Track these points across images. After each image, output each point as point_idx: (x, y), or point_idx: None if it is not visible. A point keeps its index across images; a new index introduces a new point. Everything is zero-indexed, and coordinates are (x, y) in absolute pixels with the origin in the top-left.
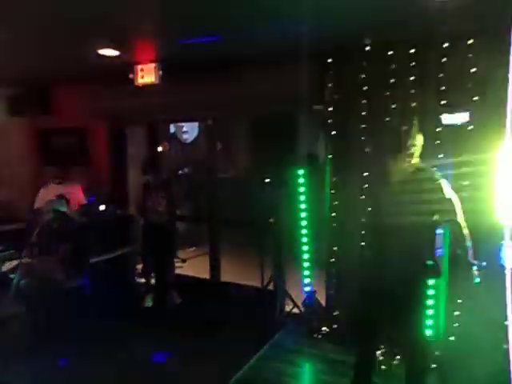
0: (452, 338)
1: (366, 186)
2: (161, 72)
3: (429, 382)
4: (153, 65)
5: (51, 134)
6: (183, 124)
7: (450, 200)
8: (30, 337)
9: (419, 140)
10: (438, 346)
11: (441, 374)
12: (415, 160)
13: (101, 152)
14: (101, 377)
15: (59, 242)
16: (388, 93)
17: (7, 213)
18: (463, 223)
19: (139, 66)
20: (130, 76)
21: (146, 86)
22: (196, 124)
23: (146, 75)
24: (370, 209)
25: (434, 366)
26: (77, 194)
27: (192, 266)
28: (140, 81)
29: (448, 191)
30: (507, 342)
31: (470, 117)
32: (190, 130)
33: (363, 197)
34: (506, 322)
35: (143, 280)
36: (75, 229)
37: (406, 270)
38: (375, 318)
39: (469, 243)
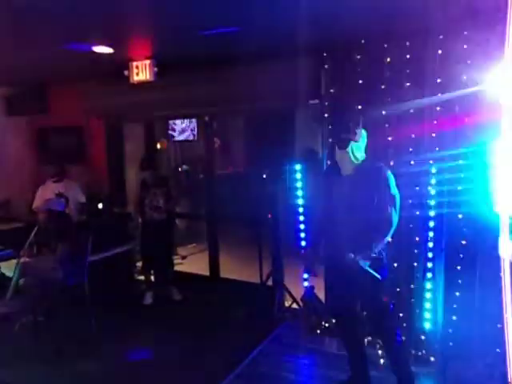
0: (450, 331)
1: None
2: (156, 69)
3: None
4: (148, 62)
5: (49, 132)
6: (180, 121)
7: (394, 196)
8: (30, 336)
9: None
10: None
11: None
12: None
13: (99, 150)
14: (100, 375)
15: (57, 241)
16: (383, 87)
17: (6, 212)
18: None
19: (134, 63)
20: (126, 73)
21: (141, 83)
22: (194, 121)
23: (141, 72)
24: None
25: (432, 359)
26: (75, 193)
27: (192, 262)
28: (135, 78)
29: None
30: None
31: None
32: (187, 127)
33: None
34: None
35: (143, 277)
36: (73, 228)
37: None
38: (348, 310)
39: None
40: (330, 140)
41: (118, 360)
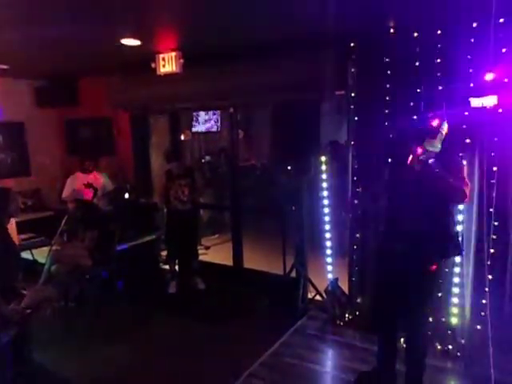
0: (479, 327)
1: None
2: (182, 60)
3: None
4: (174, 53)
5: (78, 124)
6: (204, 112)
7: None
8: (61, 321)
9: (445, 128)
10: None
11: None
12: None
13: (125, 141)
14: (127, 361)
15: (85, 229)
16: (412, 77)
17: (38, 201)
18: None
19: (160, 55)
20: (152, 65)
21: (168, 75)
22: (217, 112)
23: (168, 64)
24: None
25: (458, 354)
26: (104, 183)
27: (215, 253)
28: (162, 70)
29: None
30: None
31: (499, 100)
32: (211, 119)
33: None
34: None
35: (167, 267)
36: (100, 217)
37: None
38: (391, 304)
39: None
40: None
41: (145, 346)
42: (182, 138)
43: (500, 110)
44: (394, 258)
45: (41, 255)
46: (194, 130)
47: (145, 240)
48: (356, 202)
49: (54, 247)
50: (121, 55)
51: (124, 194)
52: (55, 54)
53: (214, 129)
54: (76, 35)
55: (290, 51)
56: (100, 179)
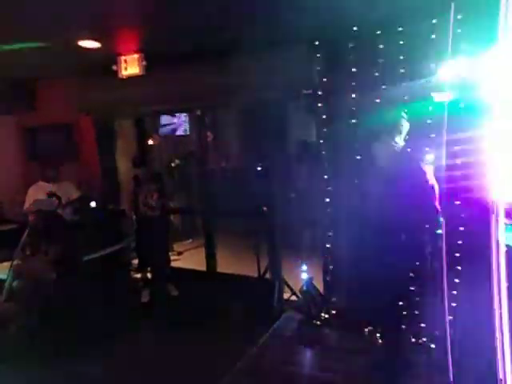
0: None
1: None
2: (144, 63)
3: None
4: (136, 55)
5: (38, 131)
6: (172, 116)
7: (432, 186)
8: (25, 338)
9: (406, 124)
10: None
11: None
12: (401, 143)
13: (89, 147)
14: (99, 375)
15: (48, 241)
16: (377, 73)
17: None
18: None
19: (122, 58)
20: (114, 68)
21: (130, 78)
22: (185, 116)
23: (130, 66)
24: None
25: (432, 346)
26: (68, 191)
27: (188, 258)
28: (124, 72)
29: (431, 177)
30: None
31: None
32: (179, 122)
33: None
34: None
35: (139, 275)
36: (64, 227)
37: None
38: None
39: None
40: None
41: (118, 359)
42: (150, 142)
43: (462, 105)
44: (365, 260)
45: (1, 270)
46: (161, 133)
47: (114, 249)
48: (328, 200)
49: (15, 262)
50: (81, 58)
51: (90, 202)
52: (11, 57)
53: (183, 132)
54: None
55: (256, 52)
56: (64, 187)
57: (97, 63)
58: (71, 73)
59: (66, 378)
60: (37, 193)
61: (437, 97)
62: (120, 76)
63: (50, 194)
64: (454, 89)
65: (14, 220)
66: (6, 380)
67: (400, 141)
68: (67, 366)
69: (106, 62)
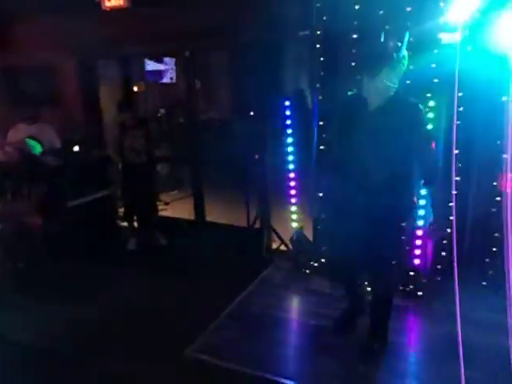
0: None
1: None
2: None
3: None
4: None
5: (16, 71)
6: (158, 62)
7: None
8: (10, 283)
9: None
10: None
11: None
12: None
13: (72, 90)
14: (84, 322)
15: (31, 185)
16: (381, 11)
17: None
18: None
19: None
20: None
21: (115, 14)
22: (172, 61)
23: None
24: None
25: (420, 293)
26: (49, 135)
27: (176, 208)
28: (107, 4)
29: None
30: None
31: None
32: (166, 68)
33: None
34: None
35: (126, 223)
36: (47, 171)
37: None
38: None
39: None
40: (356, 64)
41: (107, 305)
42: (135, 89)
43: (469, 48)
44: (353, 209)
45: None
46: (147, 80)
47: (99, 196)
48: (322, 147)
49: None
50: None
51: (73, 146)
52: None
53: (169, 80)
54: None
55: None
56: (45, 132)
57: None
58: (51, 7)
59: (50, 323)
60: (17, 135)
61: (445, 38)
62: (103, 8)
63: (31, 137)
64: (464, 30)
65: None
66: None
67: (394, 80)
68: (50, 311)
69: None
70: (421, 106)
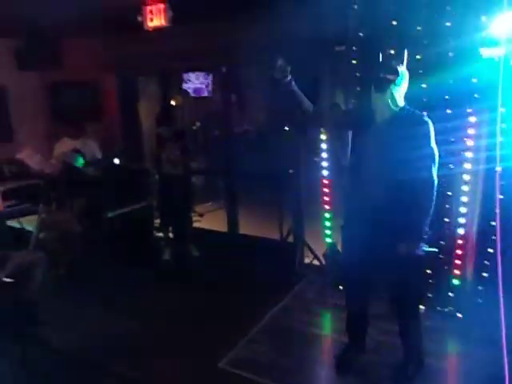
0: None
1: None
2: (171, 13)
3: None
4: (162, 5)
5: (62, 87)
6: (196, 76)
7: (433, 153)
8: (52, 289)
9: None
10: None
11: None
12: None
13: (113, 105)
14: (122, 329)
15: (72, 196)
16: (419, 28)
17: (24, 168)
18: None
19: (148, 8)
20: (139, 19)
21: (156, 32)
22: (209, 76)
23: (156, 17)
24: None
25: (459, 315)
26: (91, 148)
27: (210, 220)
28: (149, 24)
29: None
30: None
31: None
32: (204, 83)
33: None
34: None
35: (161, 234)
36: (88, 183)
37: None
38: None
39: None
40: (364, 80)
41: (143, 313)
42: (173, 103)
43: None
44: (364, 223)
45: (29, 223)
46: (184, 94)
47: (136, 206)
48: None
49: (42, 215)
50: (105, 9)
51: (113, 159)
52: (35, 8)
53: (206, 93)
54: None
55: (286, 5)
56: (88, 145)
57: (122, 16)
58: (97, 28)
59: (89, 325)
60: (62, 149)
61: (486, 52)
62: (146, 28)
63: (75, 151)
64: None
65: (38, 174)
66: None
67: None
68: (90, 317)
69: (132, 14)
70: (426, 118)
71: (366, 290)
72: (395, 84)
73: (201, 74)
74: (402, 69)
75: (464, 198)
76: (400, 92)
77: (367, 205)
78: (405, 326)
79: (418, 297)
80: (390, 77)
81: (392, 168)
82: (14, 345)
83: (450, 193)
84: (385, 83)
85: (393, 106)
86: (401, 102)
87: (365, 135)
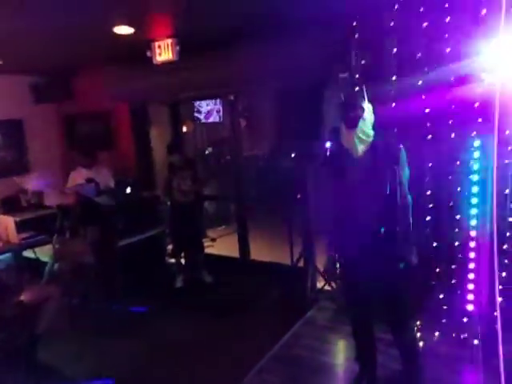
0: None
1: None
2: (178, 47)
3: None
4: (170, 40)
5: (76, 119)
6: (206, 103)
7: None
8: (66, 318)
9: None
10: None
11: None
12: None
13: (125, 134)
14: (135, 357)
15: (86, 225)
16: (420, 55)
17: (39, 199)
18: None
19: (156, 43)
20: (148, 54)
21: (164, 64)
22: (219, 102)
23: (164, 52)
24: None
25: (476, 342)
26: (105, 177)
27: (222, 244)
28: (158, 58)
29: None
30: None
31: None
32: (213, 109)
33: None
34: None
35: (174, 260)
36: (100, 212)
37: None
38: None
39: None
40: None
41: (155, 341)
42: (184, 129)
43: None
44: (355, 264)
45: (43, 254)
46: (196, 120)
47: (149, 234)
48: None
49: (56, 246)
50: (115, 45)
51: (125, 188)
52: (49, 46)
53: (217, 119)
54: (68, 23)
55: (291, 35)
56: (102, 174)
57: (132, 50)
58: (107, 61)
59: (101, 355)
60: (77, 178)
61: (487, 78)
62: (154, 62)
63: (89, 180)
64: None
65: (53, 207)
66: (45, 358)
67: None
68: (104, 345)
69: (141, 48)
70: (400, 146)
71: (368, 316)
72: (363, 119)
73: (211, 101)
74: (366, 104)
75: (473, 221)
76: (368, 124)
77: (357, 236)
78: (402, 342)
79: (411, 309)
80: (359, 113)
81: (375, 194)
82: (27, 374)
83: (458, 216)
84: (354, 120)
85: (365, 138)
86: (371, 133)
87: (345, 170)
